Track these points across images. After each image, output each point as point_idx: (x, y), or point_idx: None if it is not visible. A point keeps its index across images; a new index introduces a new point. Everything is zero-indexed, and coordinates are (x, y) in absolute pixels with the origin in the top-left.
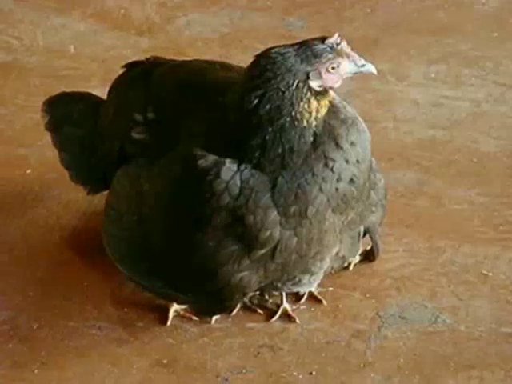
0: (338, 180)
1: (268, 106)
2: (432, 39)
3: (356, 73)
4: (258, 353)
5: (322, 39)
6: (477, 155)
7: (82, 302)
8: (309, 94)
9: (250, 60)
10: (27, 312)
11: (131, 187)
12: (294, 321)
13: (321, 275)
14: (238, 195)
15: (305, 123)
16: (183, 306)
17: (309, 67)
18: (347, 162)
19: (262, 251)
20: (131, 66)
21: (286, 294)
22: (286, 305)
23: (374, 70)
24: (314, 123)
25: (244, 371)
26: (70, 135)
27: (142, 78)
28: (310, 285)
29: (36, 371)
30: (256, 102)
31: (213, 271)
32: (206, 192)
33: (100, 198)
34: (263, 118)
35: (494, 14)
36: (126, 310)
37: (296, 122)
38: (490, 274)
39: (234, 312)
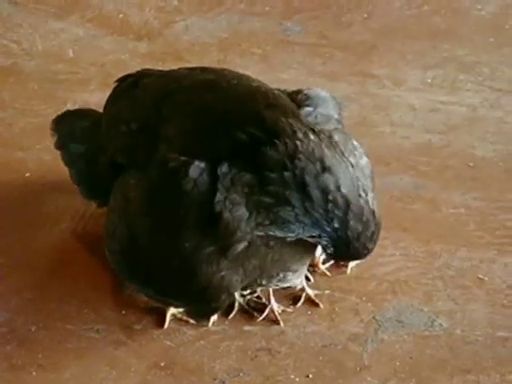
0: None
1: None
2: (429, 44)
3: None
4: (256, 356)
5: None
6: (473, 160)
7: (79, 304)
8: None
9: (249, 64)
10: (25, 314)
11: (121, 198)
12: (278, 323)
13: (305, 269)
14: (210, 192)
15: None
16: (180, 309)
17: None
18: None
19: (238, 248)
20: (123, 80)
21: (273, 292)
22: (273, 305)
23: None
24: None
25: (241, 374)
26: (75, 152)
27: (129, 89)
28: (296, 279)
29: (33, 373)
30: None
31: (192, 273)
32: (176, 191)
33: None
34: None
35: (491, 20)
36: (123, 312)
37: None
38: (486, 279)
39: (232, 315)
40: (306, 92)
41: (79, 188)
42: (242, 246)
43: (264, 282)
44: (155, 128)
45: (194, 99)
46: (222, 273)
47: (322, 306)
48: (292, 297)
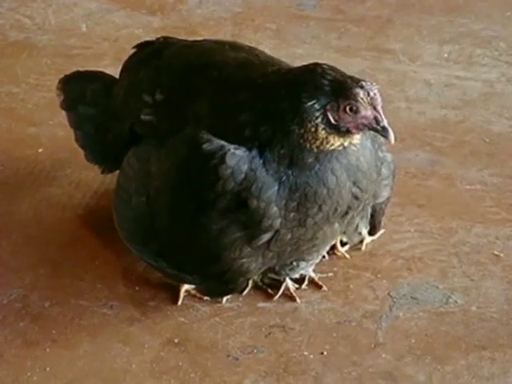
0: (338, 203)
1: (286, 105)
2: (445, 19)
3: (372, 129)
4: (269, 333)
5: (361, 83)
6: (489, 135)
7: (93, 280)
8: (319, 120)
9: (263, 39)
10: (39, 290)
11: (140, 168)
12: (295, 300)
13: (318, 260)
14: (243, 180)
15: (307, 145)
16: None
17: (332, 96)
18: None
19: (264, 238)
20: (142, 47)
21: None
22: (288, 282)
23: (392, 139)
24: (315, 151)
25: (255, 351)
26: (84, 114)
27: (153, 58)
28: (307, 269)
29: (47, 349)
30: (282, 93)
31: (216, 255)
32: (210, 176)
33: (111, 177)
34: (279, 112)
35: None
36: (137, 288)
37: (301, 140)
38: (502, 255)
39: (246, 292)
40: None
41: (85, 152)
42: (267, 236)
43: (276, 269)
44: (184, 101)
45: (227, 77)
46: (243, 260)
47: (325, 288)
48: (296, 278)
